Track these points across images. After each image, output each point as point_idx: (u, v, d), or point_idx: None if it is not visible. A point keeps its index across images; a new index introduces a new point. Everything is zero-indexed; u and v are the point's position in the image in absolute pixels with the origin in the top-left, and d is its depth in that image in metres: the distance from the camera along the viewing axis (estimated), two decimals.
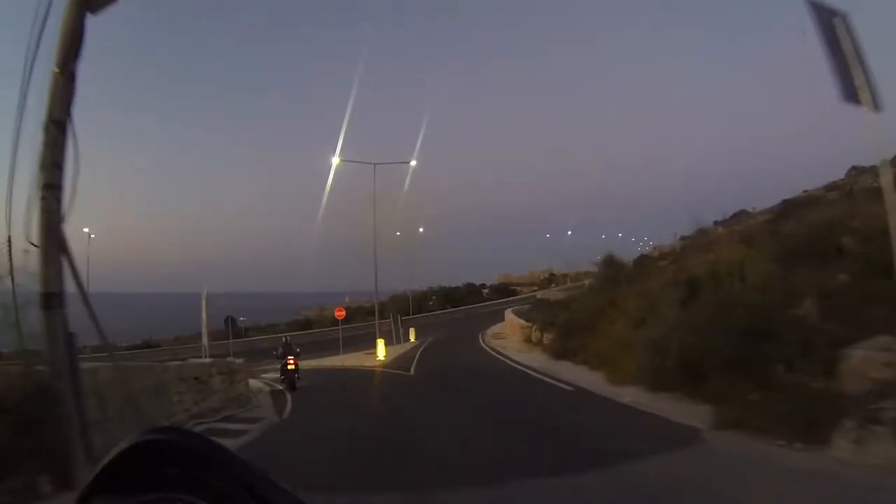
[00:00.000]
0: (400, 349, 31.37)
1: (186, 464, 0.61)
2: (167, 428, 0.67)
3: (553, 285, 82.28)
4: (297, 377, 19.41)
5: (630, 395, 11.95)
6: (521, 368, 19.20)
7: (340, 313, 31.02)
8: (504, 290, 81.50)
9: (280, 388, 19.75)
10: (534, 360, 21.56)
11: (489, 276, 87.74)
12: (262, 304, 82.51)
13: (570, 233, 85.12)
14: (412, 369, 22.01)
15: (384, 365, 25.57)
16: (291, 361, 19.54)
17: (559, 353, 21.04)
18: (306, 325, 57.06)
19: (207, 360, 12.70)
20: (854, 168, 37.93)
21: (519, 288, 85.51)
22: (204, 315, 19.10)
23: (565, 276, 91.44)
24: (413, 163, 31.86)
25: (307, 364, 30.20)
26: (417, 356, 27.76)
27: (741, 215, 38.59)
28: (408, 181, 36.32)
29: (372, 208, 30.13)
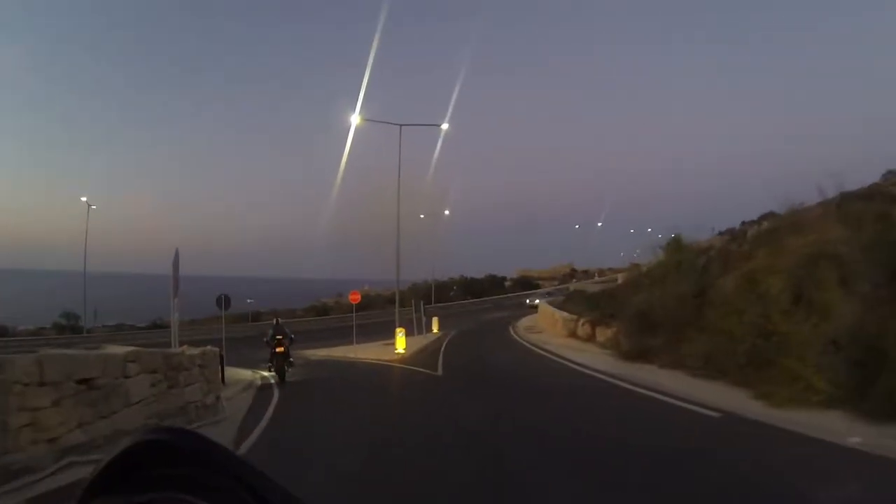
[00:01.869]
0: (422, 341, 25.97)
1: (186, 464, 0.58)
2: (167, 428, 0.60)
3: (574, 280, 78.26)
4: (289, 366, 15.47)
5: (844, 429, 6.44)
6: (592, 373, 13.69)
7: (355, 297, 25.63)
8: (526, 284, 77.55)
9: (272, 381, 15.32)
10: (597, 360, 16.08)
11: (507, 270, 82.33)
12: (280, 290, 78.33)
13: (599, 224, 78.38)
14: (439, 367, 16.59)
15: (403, 360, 20.16)
16: (281, 340, 15.26)
17: (631, 352, 15.68)
18: (323, 311, 52.69)
19: (121, 352, 7.39)
20: (890, 171, 35.61)
21: (540, 282, 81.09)
22: (173, 284, 13.74)
23: (586, 271, 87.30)
24: (444, 126, 26.24)
25: (315, 353, 25.08)
26: (443, 350, 22.36)
27: (769, 216, 34.97)
28: (438, 149, 30.67)
29: (393, 187, 24.62)
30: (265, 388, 14.89)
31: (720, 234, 49.89)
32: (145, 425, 7.28)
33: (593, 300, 26.14)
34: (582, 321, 23.39)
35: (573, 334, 23.92)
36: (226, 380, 15.59)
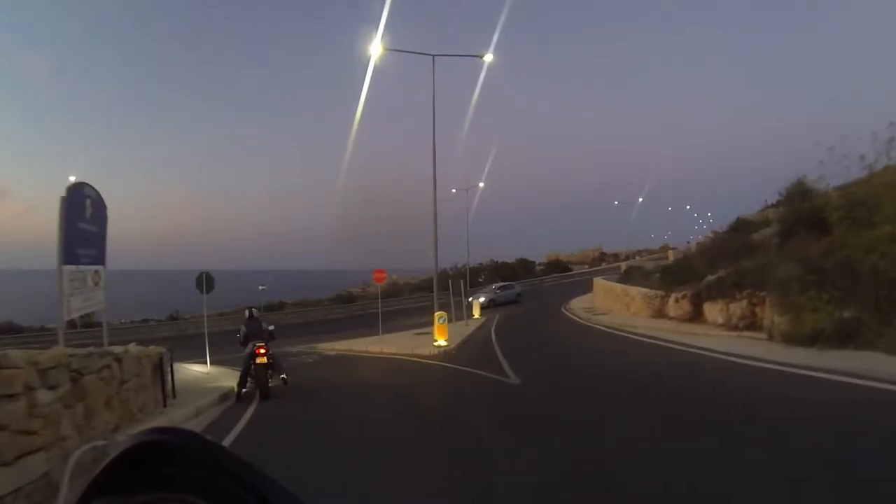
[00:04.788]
0: (464, 329, 19.70)
1: (186, 464, 0.56)
2: (167, 428, 0.58)
3: (603, 263, 73.34)
4: (272, 375, 9.84)
5: None
6: (796, 371, 7.29)
7: (380, 276, 19.48)
8: (559, 267, 71.67)
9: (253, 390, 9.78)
10: (752, 348, 9.88)
11: (535, 254, 75.55)
12: (306, 281, 73.28)
13: (639, 202, 69.95)
14: (506, 367, 10.25)
15: (448, 356, 13.86)
16: (262, 351, 9.67)
17: (810, 335, 9.43)
18: (349, 299, 46.92)
19: None
20: None
21: (571, 265, 75.40)
22: (62, 239, 7.57)
23: (616, 254, 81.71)
24: (488, 57, 19.61)
25: (333, 347, 19.06)
26: (496, 339, 16.07)
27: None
28: (479, 83, 23.78)
29: (421, 164, 18.29)
30: (237, 406, 8.90)
31: (772, 205, 42.98)
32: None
33: (685, 271, 19.51)
34: (675, 297, 16.94)
35: (660, 313, 17.70)
36: (179, 393, 9.65)
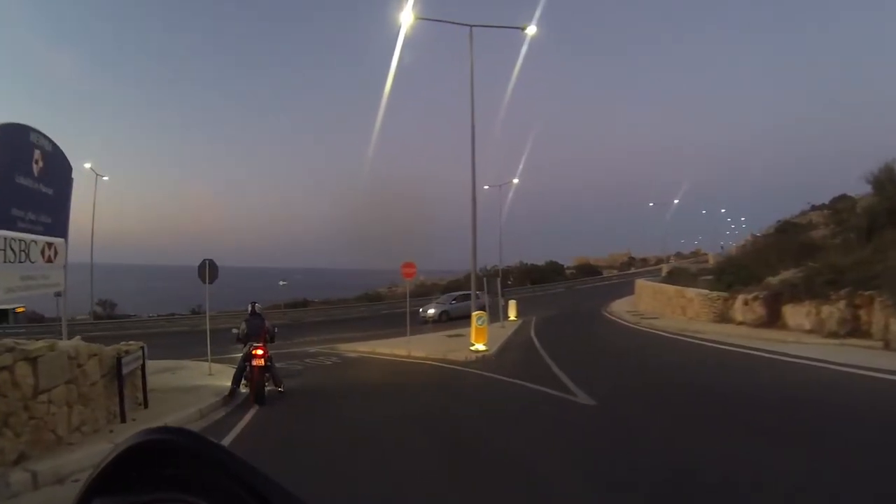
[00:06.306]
0: (501, 331, 17.34)
1: (186, 464, 0.55)
2: (167, 428, 0.57)
3: (632, 267, 70.65)
4: (268, 379, 8.33)
5: None
6: None
7: (410, 270, 17.23)
8: (588, 270, 69.11)
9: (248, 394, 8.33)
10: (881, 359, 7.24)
11: (561, 257, 72.34)
12: (334, 280, 72.02)
13: (675, 203, 65.43)
14: (568, 380, 8.00)
15: (487, 362, 11.54)
16: (259, 352, 8.06)
17: None
18: (376, 298, 45.01)
19: None
20: None
21: (600, 269, 72.87)
22: None
23: (644, 259, 78.98)
24: (531, 29, 17.30)
25: (355, 348, 16.96)
26: (539, 343, 13.75)
27: (841, 198, 28.68)
28: (521, 57, 20.97)
29: (452, 163, 16.09)
30: (223, 420, 6.86)
31: (814, 208, 39.81)
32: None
33: (742, 271, 16.83)
34: (744, 298, 14.42)
35: (723, 317, 15.25)
36: (160, 400, 7.64)
